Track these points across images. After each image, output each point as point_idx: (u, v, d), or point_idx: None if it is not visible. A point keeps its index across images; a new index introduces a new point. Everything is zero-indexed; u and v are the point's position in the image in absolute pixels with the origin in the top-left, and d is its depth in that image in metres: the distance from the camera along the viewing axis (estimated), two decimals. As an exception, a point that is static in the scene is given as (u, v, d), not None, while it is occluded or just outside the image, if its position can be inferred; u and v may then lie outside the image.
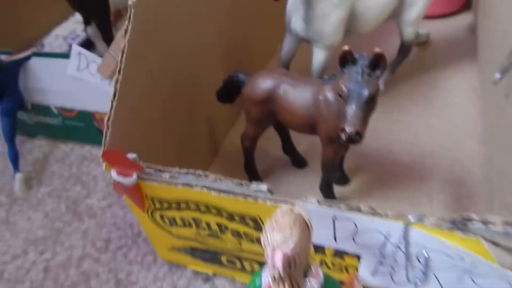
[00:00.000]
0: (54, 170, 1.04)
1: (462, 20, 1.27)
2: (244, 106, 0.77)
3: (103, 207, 0.92)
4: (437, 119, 0.98)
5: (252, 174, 0.87)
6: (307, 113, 0.69)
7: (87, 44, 1.35)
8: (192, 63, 0.84)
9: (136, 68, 0.67)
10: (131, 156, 0.61)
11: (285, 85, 0.71)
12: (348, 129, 0.55)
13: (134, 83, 0.66)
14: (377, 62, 0.55)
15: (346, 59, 0.56)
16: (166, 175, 0.58)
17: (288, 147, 0.89)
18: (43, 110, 1.07)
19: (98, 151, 1.08)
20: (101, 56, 0.94)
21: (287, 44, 0.95)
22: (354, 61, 0.56)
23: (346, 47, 0.54)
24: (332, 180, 0.77)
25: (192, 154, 0.89)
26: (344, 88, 0.56)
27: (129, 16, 0.64)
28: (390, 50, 1.09)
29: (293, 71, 0.99)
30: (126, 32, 0.64)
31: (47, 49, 1.39)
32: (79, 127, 1.06)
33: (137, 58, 0.67)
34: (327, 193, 0.79)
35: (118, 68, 0.63)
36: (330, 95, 0.66)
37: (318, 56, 0.89)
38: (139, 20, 0.65)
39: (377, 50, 0.53)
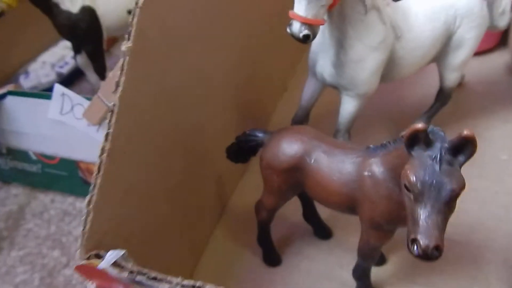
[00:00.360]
0: (29, 227, 0.88)
1: (498, 59, 1.13)
2: (263, 172, 0.62)
3: (83, 282, 0.76)
4: (482, 180, 0.83)
5: (267, 247, 0.72)
6: (346, 190, 0.54)
7: (77, 73, 1.21)
8: (196, 114, 0.69)
9: (129, 134, 0.52)
10: (119, 253, 0.45)
11: (318, 152, 0.56)
12: (424, 242, 0.39)
13: (125, 153, 0.51)
14: (462, 146, 0.40)
15: (417, 140, 0.41)
16: (164, 288, 0.43)
17: (310, 214, 0.73)
18: (20, 155, 0.92)
19: (81, 204, 0.92)
20: (89, 95, 0.79)
21: (310, 89, 0.80)
22: (429, 143, 0.41)
23: (420, 125, 0.39)
24: (371, 268, 0.62)
25: (196, 219, 0.74)
26: (415, 181, 0.40)
27: (122, 66, 0.49)
28: (427, 92, 0.95)
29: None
30: (117, 85, 0.49)
31: (32, 77, 1.24)
32: (61, 176, 0.91)
33: (130, 120, 0.52)
34: (362, 280, 0.63)
35: (105, 134, 0.48)
36: (378, 171, 0.51)
37: (348, 106, 0.75)
38: (135, 70, 0.51)
39: (466, 132, 0.38)
